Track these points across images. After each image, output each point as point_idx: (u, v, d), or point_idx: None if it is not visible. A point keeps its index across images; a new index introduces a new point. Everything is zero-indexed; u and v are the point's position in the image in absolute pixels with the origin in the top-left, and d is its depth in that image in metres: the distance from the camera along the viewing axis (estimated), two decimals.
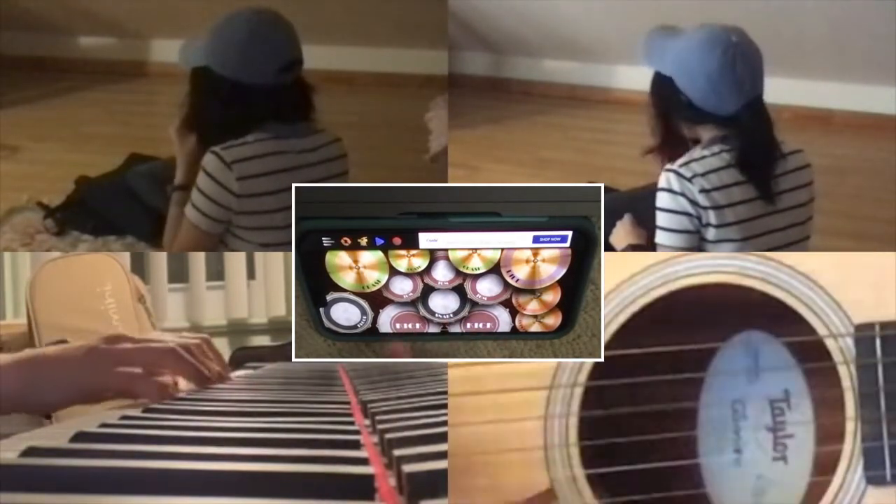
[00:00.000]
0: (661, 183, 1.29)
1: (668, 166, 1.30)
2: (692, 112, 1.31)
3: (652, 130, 1.38)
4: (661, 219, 1.29)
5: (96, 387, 0.93)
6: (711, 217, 1.27)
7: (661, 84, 1.34)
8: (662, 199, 1.29)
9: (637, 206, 1.46)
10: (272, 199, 1.42)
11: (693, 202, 1.27)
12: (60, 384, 0.91)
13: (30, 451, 0.48)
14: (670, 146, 1.36)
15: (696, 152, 1.31)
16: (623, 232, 1.44)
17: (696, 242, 1.29)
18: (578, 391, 0.90)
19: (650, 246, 1.34)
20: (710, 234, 1.28)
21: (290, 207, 1.43)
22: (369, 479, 0.42)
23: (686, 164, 1.29)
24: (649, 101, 1.38)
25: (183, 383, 1.01)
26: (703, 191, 1.27)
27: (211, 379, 1.01)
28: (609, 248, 1.44)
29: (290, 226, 1.44)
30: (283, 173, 1.43)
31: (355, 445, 0.53)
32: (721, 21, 1.33)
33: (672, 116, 1.35)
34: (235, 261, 2.92)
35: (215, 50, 1.44)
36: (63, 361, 0.93)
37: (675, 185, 1.28)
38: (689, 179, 1.27)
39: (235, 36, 1.43)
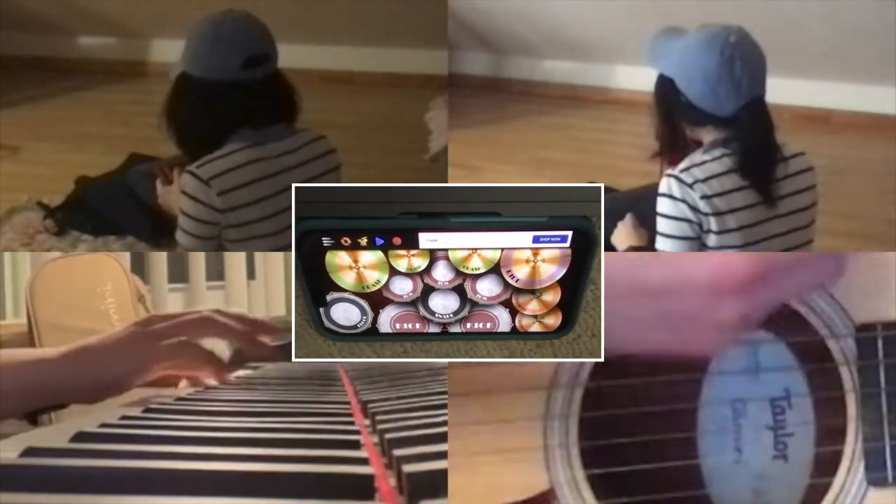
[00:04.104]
0: (662, 188, 1.29)
1: (669, 171, 1.29)
2: (693, 113, 1.30)
3: (655, 133, 1.38)
4: (662, 225, 1.29)
5: (149, 363, 0.95)
6: (712, 223, 1.27)
7: (664, 85, 1.34)
8: (663, 205, 1.28)
9: (637, 206, 1.46)
10: (255, 208, 1.41)
11: (694, 208, 1.26)
12: (112, 369, 0.92)
13: (30, 451, 0.48)
14: (673, 149, 1.35)
15: (697, 157, 1.30)
16: (625, 233, 1.44)
17: (697, 249, 1.28)
18: (578, 391, 0.90)
19: (651, 248, 1.34)
20: (711, 240, 1.27)
21: (275, 215, 1.43)
22: (369, 479, 0.41)
23: (687, 169, 1.28)
24: (653, 104, 1.38)
25: (224, 346, 1.05)
26: (704, 197, 1.26)
27: (253, 337, 1.04)
28: (609, 248, 1.44)
29: (277, 233, 1.44)
30: (264, 181, 1.42)
31: (355, 445, 0.53)
32: (721, 21, 1.33)
33: (674, 119, 1.34)
34: (235, 261, 2.93)
35: (186, 52, 1.45)
36: (107, 348, 0.94)
37: (676, 191, 1.27)
38: (690, 185, 1.27)
39: (201, 34, 1.44)
